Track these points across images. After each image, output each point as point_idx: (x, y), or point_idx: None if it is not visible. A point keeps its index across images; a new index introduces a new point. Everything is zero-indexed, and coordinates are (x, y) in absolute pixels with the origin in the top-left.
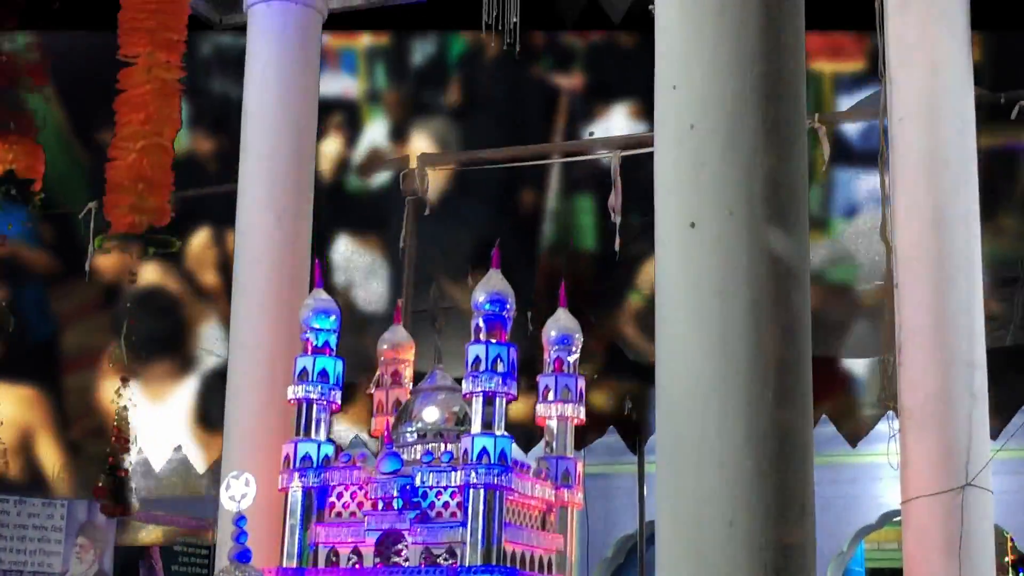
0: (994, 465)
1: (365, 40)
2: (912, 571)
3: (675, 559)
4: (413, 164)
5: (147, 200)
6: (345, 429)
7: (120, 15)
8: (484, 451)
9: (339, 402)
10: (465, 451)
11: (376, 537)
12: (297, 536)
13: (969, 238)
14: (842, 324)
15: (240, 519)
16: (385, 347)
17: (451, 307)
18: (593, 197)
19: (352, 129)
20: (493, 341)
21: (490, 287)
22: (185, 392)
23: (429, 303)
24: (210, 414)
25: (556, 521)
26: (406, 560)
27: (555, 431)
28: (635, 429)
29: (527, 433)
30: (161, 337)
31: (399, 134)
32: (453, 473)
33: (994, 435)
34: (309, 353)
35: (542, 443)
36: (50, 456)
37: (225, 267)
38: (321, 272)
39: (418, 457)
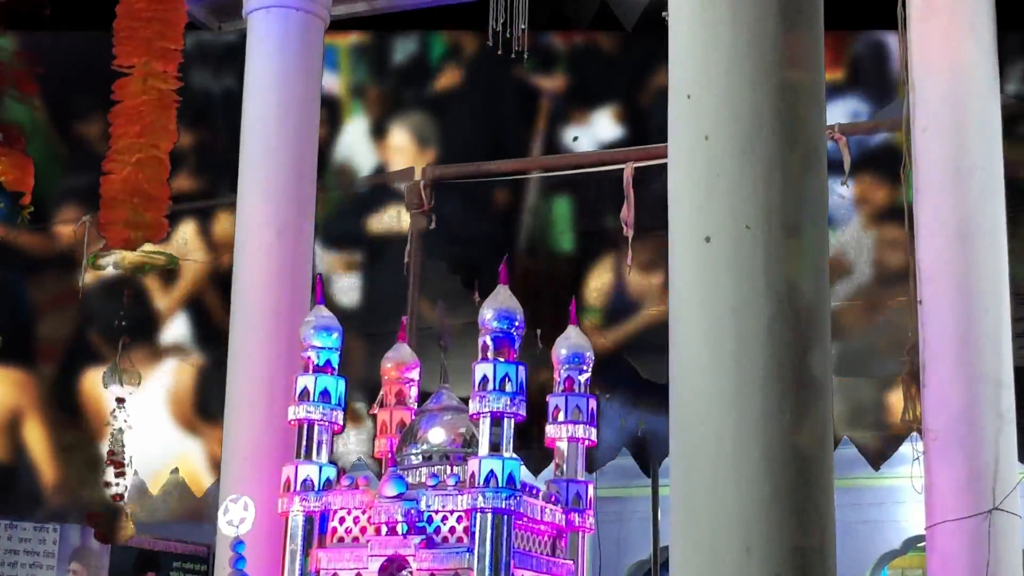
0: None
1: (351, 39)
2: None
3: None
4: (418, 176)
5: (143, 215)
6: (352, 450)
7: (116, 23)
8: (492, 474)
9: (341, 423)
10: (472, 474)
11: (380, 563)
12: (298, 562)
13: (995, 251)
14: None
15: (239, 544)
16: (389, 366)
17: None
18: (571, 201)
19: (331, 126)
20: (501, 360)
21: (498, 303)
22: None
23: (437, 319)
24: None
25: (567, 547)
26: None
27: (565, 453)
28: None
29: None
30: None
31: (379, 131)
32: (460, 497)
33: (1022, 457)
34: (310, 372)
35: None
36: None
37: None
38: (322, 288)
39: (423, 480)
